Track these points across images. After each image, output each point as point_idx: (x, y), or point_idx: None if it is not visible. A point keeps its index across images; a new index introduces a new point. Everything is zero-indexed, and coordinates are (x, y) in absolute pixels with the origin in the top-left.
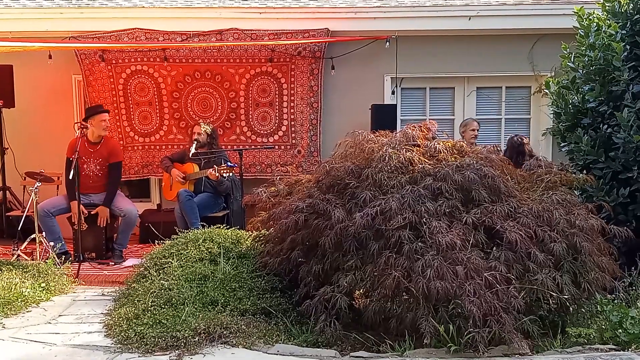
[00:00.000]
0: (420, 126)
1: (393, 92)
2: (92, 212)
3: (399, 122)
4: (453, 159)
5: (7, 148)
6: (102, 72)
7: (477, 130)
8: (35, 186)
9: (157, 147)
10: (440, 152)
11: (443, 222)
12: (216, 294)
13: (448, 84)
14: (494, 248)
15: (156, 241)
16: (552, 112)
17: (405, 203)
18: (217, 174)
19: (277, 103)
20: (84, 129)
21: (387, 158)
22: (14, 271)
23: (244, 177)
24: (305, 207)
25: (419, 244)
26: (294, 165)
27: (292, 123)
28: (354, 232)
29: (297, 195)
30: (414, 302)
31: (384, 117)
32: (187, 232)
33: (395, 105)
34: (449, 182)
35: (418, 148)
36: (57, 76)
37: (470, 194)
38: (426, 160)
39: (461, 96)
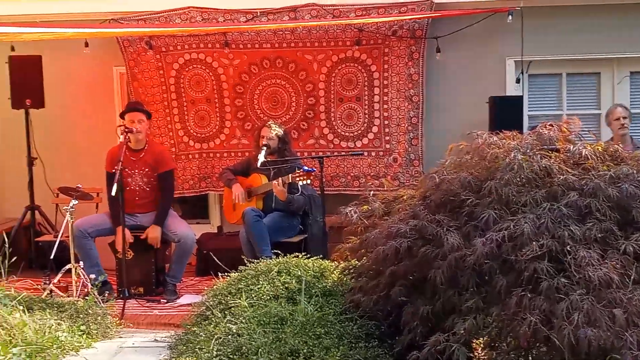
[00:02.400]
0: (559, 125)
1: (518, 81)
2: (140, 237)
3: (525, 119)
4: (605, 167)
5: (36, 158)
6: (149, 62)
7: (624, 117)
8: (71, 205)
9: (217, 155)
10: (587, 159)
11: (594, 251)
12: (297, 341)
13: (591, 68)
14: None
15: (218, 273)
16: None
17: (542, 226)
18: (282, 188)
19: (366, 97)
20: (128, 134)
21: (515, 167)
22: (47, 311)
23: (324, 192)
24: (408, 231)
25: (562, 279)
26: (389, 176)
27: (386, 122)
28: (473, 264)
29: (397, 215)
30: (556, 355)
31: (506, 113)
32: (256, 263)
33: (521, 97)
34: (600, 199)
35: (557, 154)
36: (95, 69)
37: (629, 214)
38: (568, 170)
39: (609, 84)
